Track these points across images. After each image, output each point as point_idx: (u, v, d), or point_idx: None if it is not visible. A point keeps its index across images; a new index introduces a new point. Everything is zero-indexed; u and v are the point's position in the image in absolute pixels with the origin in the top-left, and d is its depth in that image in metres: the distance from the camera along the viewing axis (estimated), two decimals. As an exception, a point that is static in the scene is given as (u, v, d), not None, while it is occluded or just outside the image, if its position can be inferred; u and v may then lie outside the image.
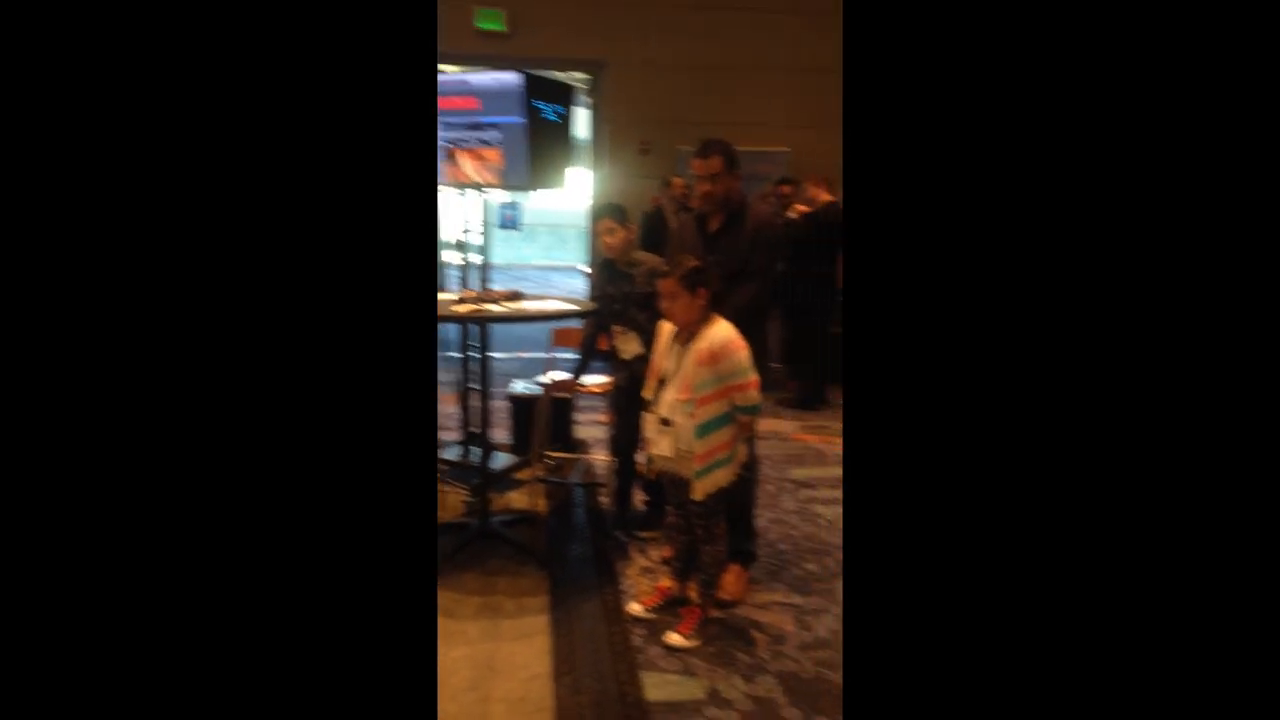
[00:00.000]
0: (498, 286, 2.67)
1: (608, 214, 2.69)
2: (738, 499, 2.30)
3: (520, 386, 3.60)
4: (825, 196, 4.56)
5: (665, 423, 2.05)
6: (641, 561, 2.60)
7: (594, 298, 2.80)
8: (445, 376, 2.83)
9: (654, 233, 4.76)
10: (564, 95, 2.53)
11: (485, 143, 2.43)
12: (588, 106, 5.88)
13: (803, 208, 4.59)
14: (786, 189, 4.84)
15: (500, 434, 3.65)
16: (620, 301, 2.68)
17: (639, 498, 2.91)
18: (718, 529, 2.11)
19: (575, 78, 5.70)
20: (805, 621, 2.22)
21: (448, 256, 4.87)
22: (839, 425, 4.31)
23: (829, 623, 2.21)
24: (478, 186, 2.56)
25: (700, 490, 2.02)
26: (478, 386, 2.69)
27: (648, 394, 2.13)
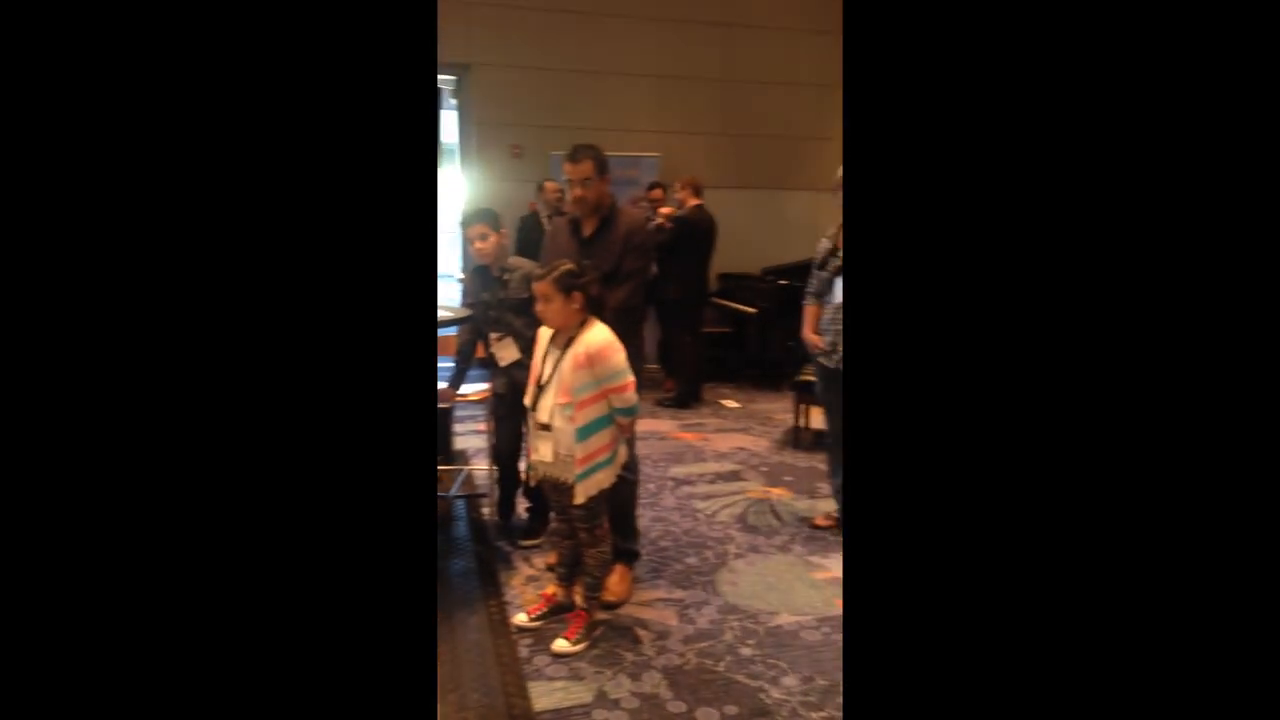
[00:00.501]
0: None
1: (479, 219, 2.64)
2: (619, 500, 2.32)
3: (392, 398, 3.46)
4: (693, 200, 4.70)
5: (545, 427, 2.04)
6: (526, 570, 2.57)
7: (468, 304, 2.74)
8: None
9: (530, 237, 4.73)
10: (429, 97, 2.46)
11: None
12: (454, 109, 5.74)
13: (666, 211, 4.70)
14: (657, 193, 4.95)
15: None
16: (496, 308, 2.64)
17: (521, 506, 2.88)
18: (600, 531, 2.13)
19: (441, 79, 5.55)
20: (688, 615, 2.28)
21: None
22: (715, 423, 4.45)
23: (710, 614, 2.28)
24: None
25: (582, 493, 2.03)
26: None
27: (527, 400, 2.12)
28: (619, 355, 2.01)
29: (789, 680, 1.95)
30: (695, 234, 4.65)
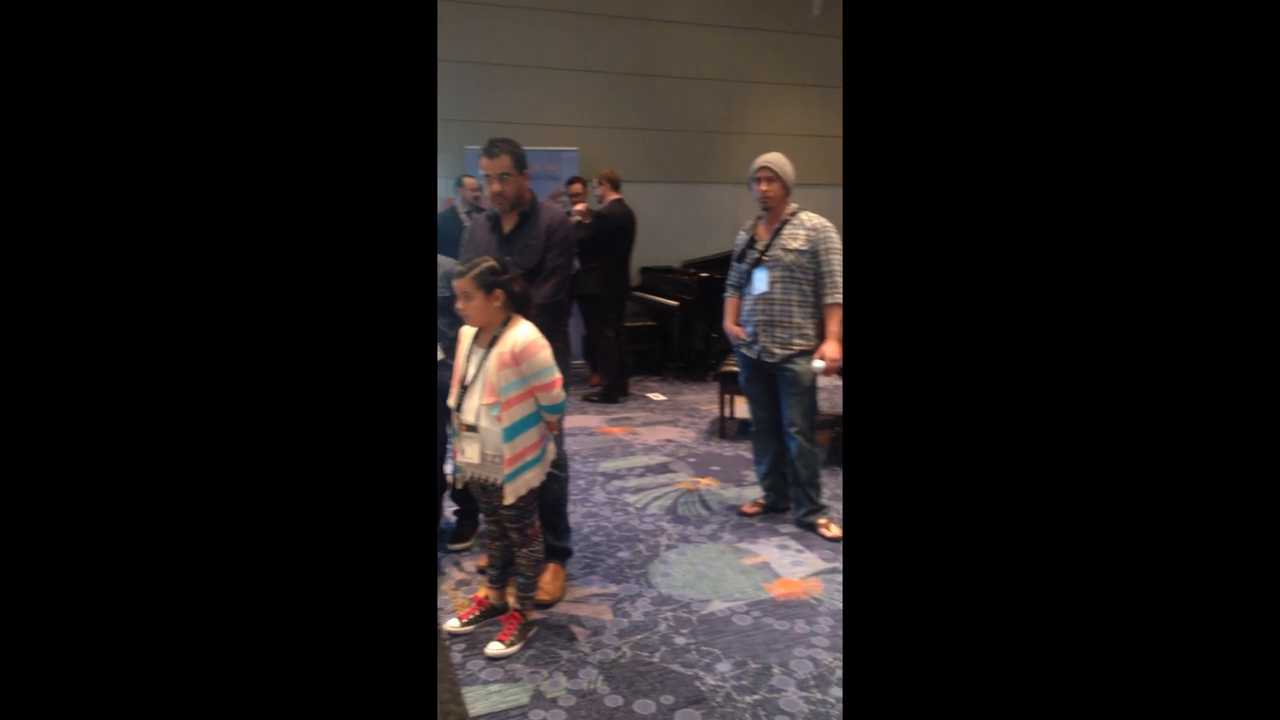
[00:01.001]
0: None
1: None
2: (550, 498, 2.31)
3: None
4: (612, 195, 4.70)
5: (471, 429, 2.00)
6: (456, 575, 2.52)
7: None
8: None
9: (448, 234, 4.61)
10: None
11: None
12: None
13: (581, 207, 4.69)
14: (577, 187, 4.92)
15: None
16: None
17: (449, 509, 2.82)
18: (531, 531, 2.11)
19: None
20: (622, 609, 2.29)
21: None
22: (642, 416, 4.48)
23: (644, 606, 2.30)
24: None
25: (511, 494, 2.00)
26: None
27: (451, 401, 2.07)
28: (545, 352, 1.99)
29: (722, 666, 1.99)
30: (615, 229, 4.65)
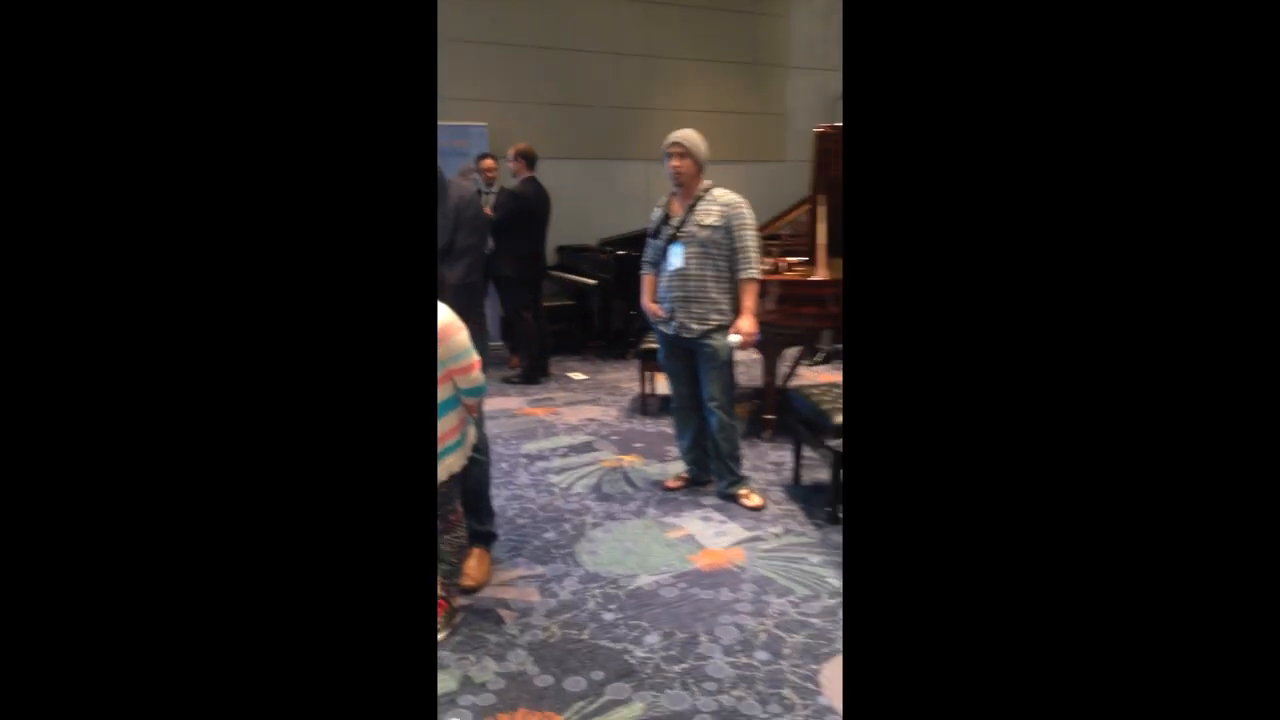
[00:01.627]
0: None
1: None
2: (472, 482, 2.27)
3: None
4: (525, 172, 4.61)
5: (385, 416, 1.94)
6: (376, 565, 2.46)
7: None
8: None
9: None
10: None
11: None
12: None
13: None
14: (489, 162, 4.81)
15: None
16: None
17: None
18: (454, 517, 2.07)
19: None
20: (549, 589, 2.29)
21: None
22: (564, 396, 4.46)
23: (571, 585, 2.31)
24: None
25: (431, 480, 1.96)
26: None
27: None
28: (462, 334, 1.94)
29: (651, 638, 2.02)
30: (529, 207, 4.57)
